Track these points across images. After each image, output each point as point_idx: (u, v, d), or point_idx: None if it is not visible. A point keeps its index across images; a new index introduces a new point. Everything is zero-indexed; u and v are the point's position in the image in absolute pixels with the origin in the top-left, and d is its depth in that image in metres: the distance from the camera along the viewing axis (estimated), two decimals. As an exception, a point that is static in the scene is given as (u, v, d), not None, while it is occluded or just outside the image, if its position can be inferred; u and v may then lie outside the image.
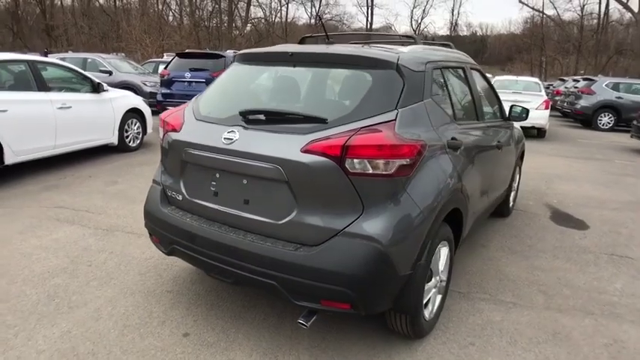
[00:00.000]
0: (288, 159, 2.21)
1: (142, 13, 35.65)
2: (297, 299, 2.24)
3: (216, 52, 11.32)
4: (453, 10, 63.40)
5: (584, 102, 14.59)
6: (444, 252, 2.77)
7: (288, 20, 49.72)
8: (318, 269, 2.14)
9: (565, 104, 16.18)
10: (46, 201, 4.96)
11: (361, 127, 2.20)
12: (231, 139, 2.39)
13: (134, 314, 2.86)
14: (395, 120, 2.26)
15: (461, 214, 2.85)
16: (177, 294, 3.12)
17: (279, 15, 49.36)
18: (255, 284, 2.39)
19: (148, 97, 11.57)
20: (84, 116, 6.56)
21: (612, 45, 40.66)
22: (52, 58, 7.59)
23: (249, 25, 44.51)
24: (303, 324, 2.30)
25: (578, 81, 16.80)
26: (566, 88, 17.26)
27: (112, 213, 4.66)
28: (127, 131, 7.55)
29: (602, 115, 14.39)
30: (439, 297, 2.84)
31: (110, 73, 12.92)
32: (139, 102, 7.84)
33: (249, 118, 2.45)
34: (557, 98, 17.39)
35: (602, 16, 41.22)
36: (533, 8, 45.57)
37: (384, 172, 2.16)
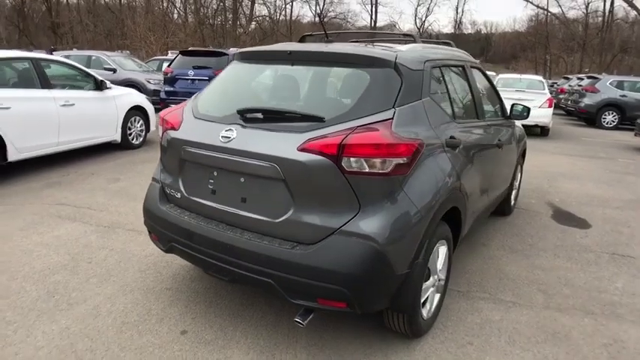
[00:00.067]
0: (284, 157, 2.21)
1: (147, 11, 35.71)
2: (294, 298, 2.24)
3: (219, 49, 11.32)
4: (457, 8, 63.43)
5: (588, 100, 14.51)
6: (442, 251, 2.76)
7: (293, 18, 49.69)
8: (314, 268, 2.14)
9: (569, 102, 16.09)
10: (48, 198, 4.99)
11: (358, 126, 2.20)
12: (229, 137, 2.39)
13: (133, 311, 2.87)
14: (392, 119, 2.26)
15: (460, 213, 2.85)
16: (176, 291, 3.13)
17: (283, 13, 49.33)
18: (252, 282, 2.40)
19: (152, 94, 11.60)
20: (87, 113, 6.58)
21: (617, 43, 40.41)
22: (55, 56, 7.60)
23: (253, 22, 44.51)
24: (299, 322, 2.31)
25: (582, 79, 16.70)
26: (570, 86, 17.17)
27: (114, 210, 4.68)
28: (130, 129, 7.57)
29: (606, 113, 14.30)
30: (437, 296, 2.84)
31: (114, 70, 12.97)
32: (142, 99, 7.85)
33: (247, 117, 2.45)
34: (561, 96, 17.30)
35: (606, 14, 41.02)
36: (537, 6, 45.34)
37: (380, 171, 2.16)
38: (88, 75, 6.89)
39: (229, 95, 2.90)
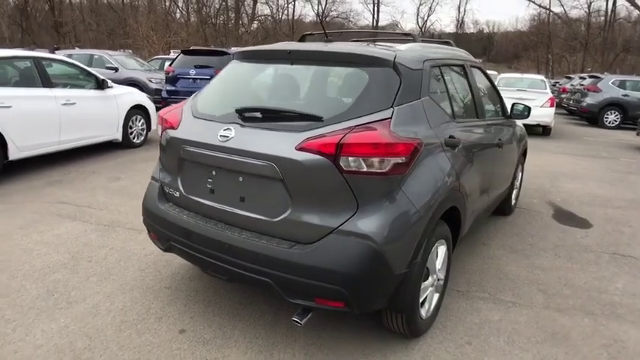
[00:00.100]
0: (282, 157, 2.20)
1: (149, 10, 35.79)
2: (291, 297, 2.24)
3: (220, 49, 11.32)
4: (459, 8, 63.28)
5: (590, 100, 14.48)
6: (441, 250, 2.76)
7: (295, 18, 49.69)
8: (312, 267, 2.14)
9: (571, 102, 16.06)
10: (49, 196, 5.00)
11: (356, 125, 2.19)
12: (227, 136, 2.39)
13: (132, 310, 2.88)
14: (390, 118, 2.25)
15: (459, 213, 2.84)
16: (175, 290, 3.14)
17: (285, 12, 49.35)
18: (250, 282, 2.40)
19: (154, 93, 11.60)
20: (88, 112, 6.59)
21: (619, 42, 40.30)
22: (56, 55, 7.62)
23: (255, 22, 44.54)
24: (297, 322, 2.31)
25: (585, 78, 16.66)
26: (572, 85, 17.13)
27: (114, 209, 4.69)
28: (131, 127, 7.59)
29: (609, 112, 14.28)
30: (436, 296, 2.83)
31: (116, 69, 12.98)
32: (143, 98, 7.87)
33: (246, 116, 2.45)
34: (563, 96, 17.28)
35: (609, 13, 40.85)
36: (540, 5, 45.24)
37: (378, 170, 2.15)
38: (90, 74, 6.91)
39: (228, 94, 2.90)
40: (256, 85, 3.02)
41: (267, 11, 48.19)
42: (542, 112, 10.72)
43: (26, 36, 39.25)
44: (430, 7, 66.91)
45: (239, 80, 2.98)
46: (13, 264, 3.41)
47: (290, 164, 2.19)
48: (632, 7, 36.18)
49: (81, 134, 6.50)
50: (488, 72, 4.17)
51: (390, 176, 2.19)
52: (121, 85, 7.76)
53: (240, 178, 2.38)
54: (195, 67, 10.04)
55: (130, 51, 25.10)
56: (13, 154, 5.48)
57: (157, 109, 8.07)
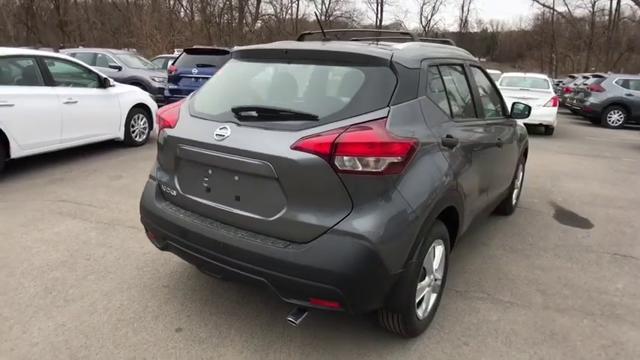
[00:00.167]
0: (278, 156, 2.20)
1: (154, 9, 35.88)
2: (286, 297, 2.23)
3: (223, 48, 11.34)
4: (463, 7, 63.14)
5: (593, 99, 14.40)
6: (438, 250, 2.74)
7: (299, 17, 49.67)
8: (306, 267, 2.13)
9: (574, 101, 15.98)
10: (50, 194, 5.01)
11: (352, 125, 2.18)
12: (223, 135, 2.39)
13: (129, 308, 2.88)
14: (386, 117, 2.24)
15: (457, 213, 2.83)
16: (173, 289, 3.14)
17: (289, 12, 49.36)
18: (245, 281, 2.39)
19: (157, 92, 11.65)
20: (90, 111, 6.61)
21: (624, 42, 40.10)
22: (58, 54, 7.64)
23: (259, 21, 44.58)
24: (292, 322, 2.30)
25: (588, 78, 16.57)
26: (575, 85, 17.04)
27: (114, 207, 4.69)
28: (133, 126, 7.61)
29: (612, 112, 14.19)
30: (434, 296, 2.82)
31: (119, 68, 13.03)
32: (145, 97, 7.88)
33: (242, 115, 2.44)
34: (566, 95, 17.19)
35: (613, 12, 40.68)
36: (544, 5, 45.08)
37: (374, 170, 2.14)
38: (92, 73, 6.92)
39: (225, 93, 2.89)
40: (253, 84, 3.01)
41: (270, 10, 48.30)
42: (545, 112, 10.67)
43: (31, 35, 39.45)
44: (434, 7, 66.61)
45: (236, 79, 2.97)
46: (12, 261, 3.42)
47: (285, 163, 2.18)
48: (636, 7, 36.08)
49: (83, 133, 6.52)
50: (492, 71, 4.15)
51: (386, 176, 2.18)
52: (123, 84, 7.77)
53: (236, 177, 2.37)
54: (198, 65, 10.07)
55: (134, 50, 25.15)
56: (15, 152, 5.50)
57: (160, 107, 8.09)
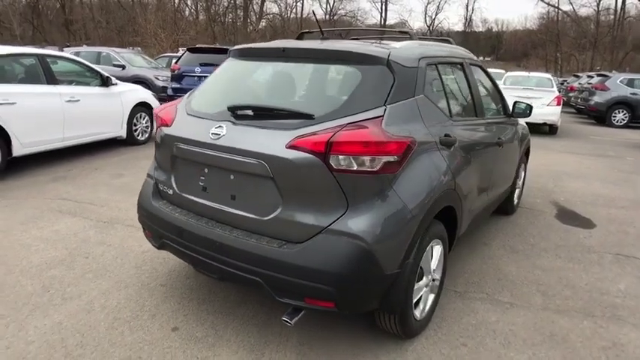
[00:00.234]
0: (273, 155, 2.18)
1: (158, 8, 35.94)
2: (281, 296, 2.22)
3: (226, 47, 11.34)
4: (467, 6, 62.88)
5: (597, 98, 14.31)
6: (436, 250, 2.72)
7: (303, 16, 49.63)
8: (301, 267, 2.12)
9: (579, 100, 15.89)
10: (51, 192, 5.02)
11: (347, 123, 2.16)
12: (219, 134, 2.38)
13: (126, 307, 2.88)
14: (382, 116, 2.22)
15: (455, 212, 2.80)
16: (170, 288, 3.13)
17: (294, 11, 49.35)
18: (240, 280, 2.38)
19: (160, 91, 11.66)
20: (92, 109, 6.63)
21: (629, 41, 39.85)
22: (61, 52, 7.66)
23: (263, 20, 44.62)
24: (287, 322, 2.28)
25: (592, 77, 16.48)
26: (580, 84, 16.94)
27: (114, 206, 4.70)
28: (135, 125, 7.62)
29: (617, 111, 14.10)
30: (432, 296, 2.80)
31: (123, 67, 13.06)
32: (147, 96, 7.89)
33: (238, 114, 2.43)
34: (571, 94, 17.09)
35: (618, 11, 40.40)
36: (549, 4, 44.89)
37: (369, 169, 2.12)
38: (94, 71, 6.93)
39: (222, 92, 2.88)
40: (250, 82, 3.00)
41: (275, 10, 48.33)
42: (549, 111, 10.59)
43: (37, 33, 39.65)
44: (438, 6, 66.27)
45: (233, 78, 2.96)
46: (11, 259, 3.43)
47: (280, 162, 2.17)
48: (641, 6, 35.81)
49: (85, 131, 6.54)
50: (496, 70, 4.11)
51: (381, 175, 2.16)
52: (125, 83, 7.78)
53: (232, 177, 2.36)
54: (201, 64, 10.07)
55: (139, 48, 25.23)
56: (17, 150, 5.52)
57: (161, 106, 8.10)
